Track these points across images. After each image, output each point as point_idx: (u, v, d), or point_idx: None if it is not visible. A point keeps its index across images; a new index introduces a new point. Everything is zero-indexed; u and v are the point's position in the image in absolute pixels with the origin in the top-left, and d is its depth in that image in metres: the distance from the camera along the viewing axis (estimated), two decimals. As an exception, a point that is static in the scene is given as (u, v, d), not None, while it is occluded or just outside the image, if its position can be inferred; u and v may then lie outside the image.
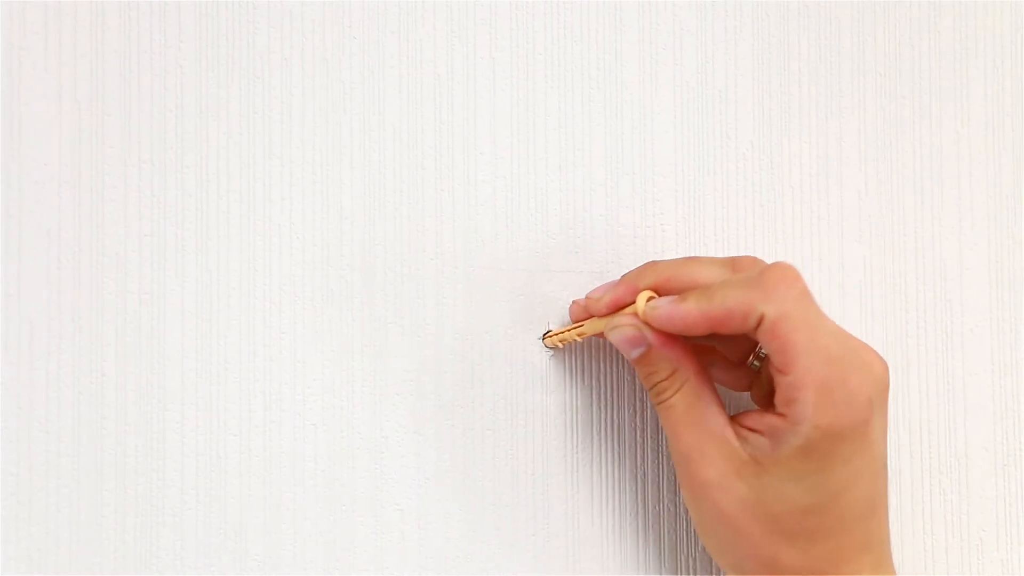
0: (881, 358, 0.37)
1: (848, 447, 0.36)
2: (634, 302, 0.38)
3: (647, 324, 0.38)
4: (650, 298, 0.38)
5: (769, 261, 0.38)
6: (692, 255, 0.44)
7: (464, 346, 0.42)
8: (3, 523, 0.39)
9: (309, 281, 0.41)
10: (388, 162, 0.42)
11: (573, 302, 0.42)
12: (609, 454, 0.43)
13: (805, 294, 0.36)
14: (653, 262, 0.40)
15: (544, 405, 0.43)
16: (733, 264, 0.39)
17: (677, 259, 0.40)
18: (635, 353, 0.39)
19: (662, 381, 0.39)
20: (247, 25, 0.41)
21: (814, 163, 0.45)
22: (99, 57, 0.40)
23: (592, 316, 0.41)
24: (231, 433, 0.40)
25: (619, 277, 0.41)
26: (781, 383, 0.36)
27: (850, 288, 0.45)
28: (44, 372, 0.39)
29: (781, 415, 0.36)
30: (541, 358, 0.43)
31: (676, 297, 0.38)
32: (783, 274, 0.36)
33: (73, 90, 0.40)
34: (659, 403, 0.39)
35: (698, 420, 0.38)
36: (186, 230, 0.40)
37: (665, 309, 0.37)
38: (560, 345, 0.42)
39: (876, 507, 0.37)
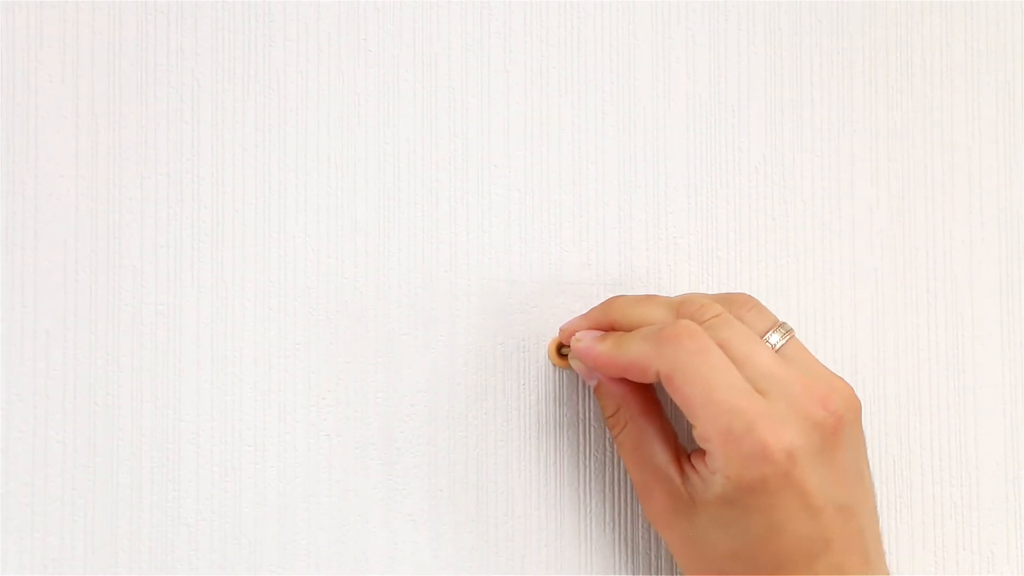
0: (837, 397, 0.36)
1: (765, 499, 0.35)
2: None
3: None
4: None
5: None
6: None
7: (477, 358, 0.42)
8: (18, 532, 0.39)
9: (324, 292, 0.41)
10: (402, 174, 0.42)
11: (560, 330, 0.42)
12: (621, 466, 0.43)
13: (703, 350, 0.36)
14: (615, 298, 0.41)
15: (557, 417, 0.43)
16: (679, 306, 0.39)
17: (635, 296, 0.41)
18: (591, 383, 0.41)
19: (609, 417, 0.40)
20: (263, 38, 0.41)
21: (826, 177, 0.46)
22: (116, 69, 0.40)
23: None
24: (246, 444, 0.40)
25: (586, 311, 0.41)
26: (693, 434, 0.37)
27: (861, 301, 0.46)
28: (60, 382, 0.39)
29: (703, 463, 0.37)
30: (554, 370, 0.43)
31: (599, 335, 0.39)
32: (678, 331, 0.36)
33: (90, 102, 0.40)
34: (613, 437, 0.41)
35: (643, 457, 0.39)
36: (202, 241, 0.41)
37: (585, 344, 0.39)
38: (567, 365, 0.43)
39: (819, 551, 0.36)
